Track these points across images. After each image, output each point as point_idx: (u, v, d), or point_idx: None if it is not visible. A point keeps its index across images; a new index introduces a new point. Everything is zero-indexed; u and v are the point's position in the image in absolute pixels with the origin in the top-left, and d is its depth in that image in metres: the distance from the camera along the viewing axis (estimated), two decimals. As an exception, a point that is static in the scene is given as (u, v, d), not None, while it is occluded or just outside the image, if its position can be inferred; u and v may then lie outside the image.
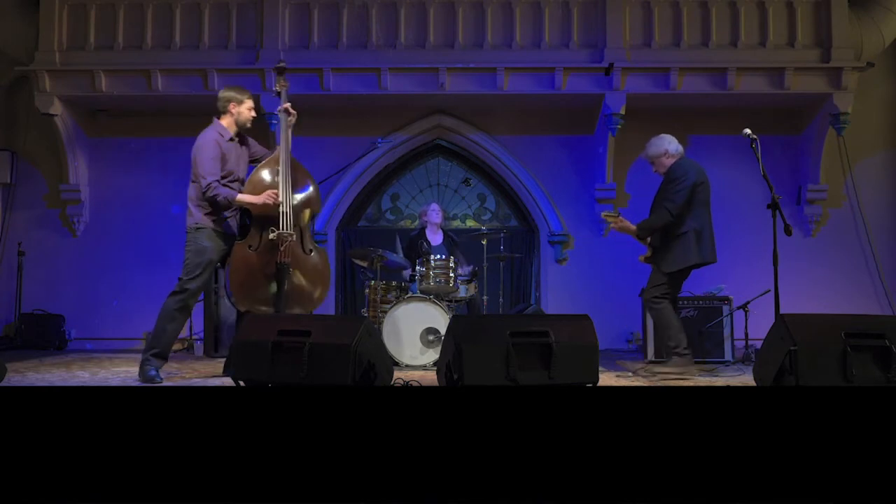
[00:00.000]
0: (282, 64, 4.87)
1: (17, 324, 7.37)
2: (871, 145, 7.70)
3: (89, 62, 7.19)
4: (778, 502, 2.21)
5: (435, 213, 6.46)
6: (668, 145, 4.91)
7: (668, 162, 4.88)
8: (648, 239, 4.97)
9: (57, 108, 7.24)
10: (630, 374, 4.96)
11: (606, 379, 4.64)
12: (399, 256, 6.08)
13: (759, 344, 4.24)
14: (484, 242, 6.10)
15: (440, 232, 6.49)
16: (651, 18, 7.24)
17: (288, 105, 4.69)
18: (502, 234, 6.46)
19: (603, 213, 5.22)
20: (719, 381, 4.49)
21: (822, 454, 2.27)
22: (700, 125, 7.36)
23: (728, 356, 5.88)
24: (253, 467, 2.23)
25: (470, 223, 8.04)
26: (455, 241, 6.47)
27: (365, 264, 5.99)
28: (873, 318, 4.51)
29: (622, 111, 7.13)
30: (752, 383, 4.06)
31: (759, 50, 7.17)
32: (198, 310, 6.83)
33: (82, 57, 7.23)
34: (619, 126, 7.19)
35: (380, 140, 6.93)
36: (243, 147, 4.65)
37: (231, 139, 4.53)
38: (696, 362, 4.96)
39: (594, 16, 7.24)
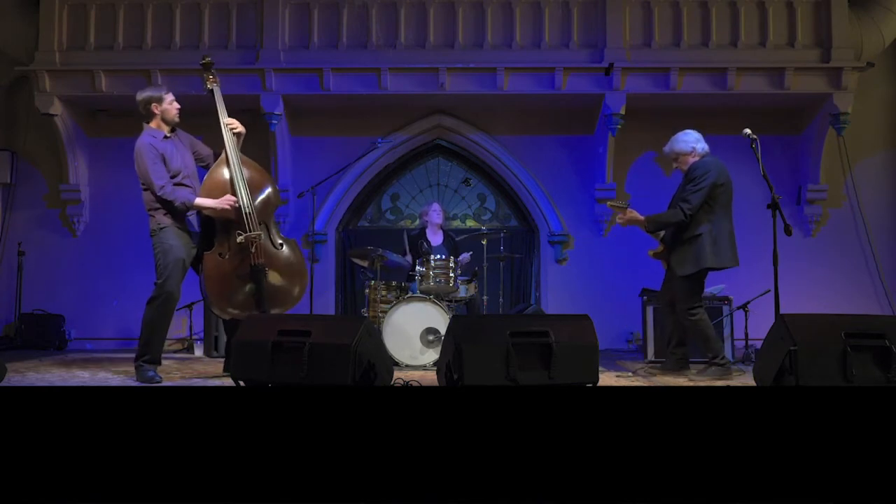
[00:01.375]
0: (207, 59, 4.73)
1: (17, 324, 7.37)
2: (871, 145, 7.70)
3: (89, 62, 7.19)
4: (778, 502, 2.21)
5: (436, 213, 6.46)
6: (696, 144, 4.79)
7: (692, 160, 4.77)
8: (661, 234, 4.89)
9: (57, 108, 7.25)
10: (630, 374, 4.96)
11: (606, 379, 4.64)
12: (399, 256, 6.07)
13: (759, 344, 4.24)
14: (484, 242, 6.09)
15: (441, 232, 6.49)
16: (651, 18, 7.24)
17: (233, 122, 4.56)
18: (502, 234, 6.46)
19: (609, 203, 5.04)
20: (719, 381, 4.49)
21: (822, 454, 2.27)
22: (700, 125, 7.25)
23: (728, 356, 5.87)
24: (253, 467, 2.23)
25: (470, 223, 8.04)
26: (455, 241, 6.47)
27: (365, 264, 5.99)
28: (873, 318, 4.50)
29: (622, 111, 7.13)
30: (752, 383, 4.06)
31: (759, 50, 7.18)
32: (198, 310, 6.84)
33: (82, 57, 7.23)
34: (619, 126, 7.19)
35: (380, 140, 6.92)
36: (183, 144, 4.56)
37: (166, 137, 4.46)
38: (695, 362, 4.95)
39: (594, 16, 7.24)
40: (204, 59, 4.75)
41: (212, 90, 4.67)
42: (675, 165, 4.92)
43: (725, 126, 7.17)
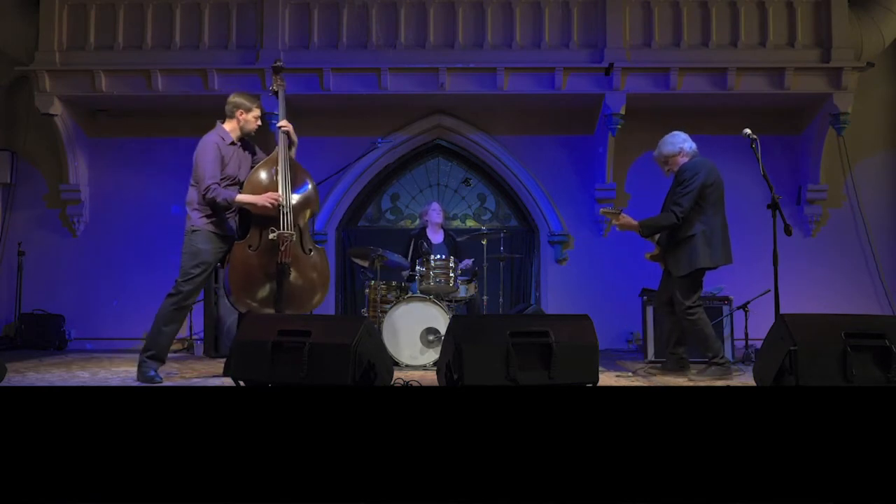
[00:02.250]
0: (279, 63, 4.83)
1: (17, 324, 7.37)
2: (871, 145, 7.70)
3: (89, 62, 7.19)
4: (778, 502, 2.21)
5: (436, 213, 6.46)
6: (683, 144, 4.80)
7: (682, 161, 4.77)
8: (656, 237, 4.92)
9: (57, 108, 7.25)
10: (630, 374, 4.96)
11: (606, 379, 4.64)
12: (399, 256, 6.07)
13: (759, 344, 4.24)
14: (484, 242, 6.09)
15: (441, 232, 6.49)
16: (651, 18, 7.24)
17: (287, 125, 4.61)
18: (502, 234, 6.46)
19: (602, 210, 5.10)
20: (719, 381, 4.49)
21: (822, 454, 2.27)
22: (700, 125, 7.34)
23: (728, 356, 5.86)
24: (253, 467, 2.23)
25: (470, 223, 8.04)
26: (455, 241, 6.47)
27: (365, 264, 5.99)
28: (873, 318, 4.51)
29: (622, 111, 7.13)
30: (752, 383, 4.06)
31: (759, 50, 7.18)
32: (198, 310, 6.84)
33: (82, 57, 7.23)
34: (619, 126, 7.19)
35: (380, 140, 6.92)
36: (246, 153, 4.63)
37: (232, 143, 4.53)
38: (695, 362, 4.95)
39: (594, 16, 7.24)
40: (276, 62, 4.86)
41: (276, 92, 4.76)
42: (666, 169, 4.91)
43: (725, 126, 7.18)
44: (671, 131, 4.96)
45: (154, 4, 7.28)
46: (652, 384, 4.52)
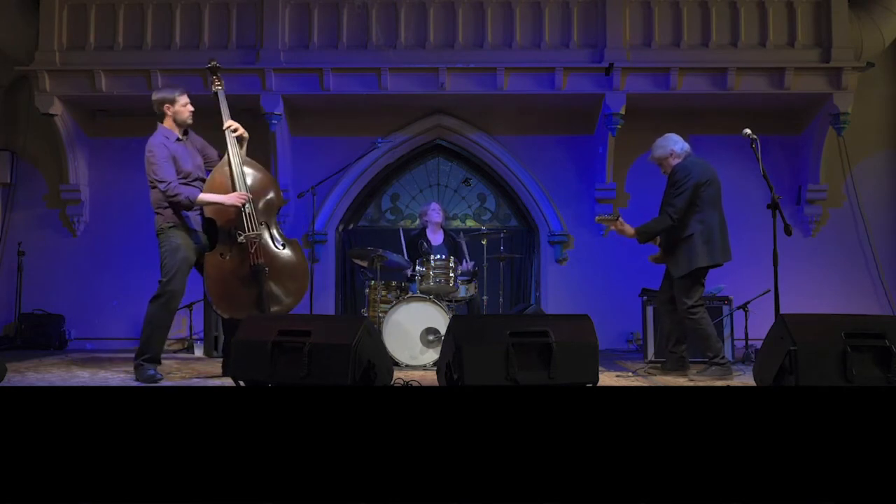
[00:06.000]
0: (213, 63, 4.75)
1: (17, 324, 7.36)
2: (871, 145, 7.70)
3: (89, 62, 7.19)
4: (778, 502, 2.21)
5: (436, 213, 6.46)
6: (674, 145, 4.82)
7: (675, 162, 4.78)
8: (658, 239, 4.91)
9: (57, 108, 7.25)
10: (630, 374, 4.96)
11: (606, 379, 4.64)
12: (400, 256, 6.07)
13: (759, 344, 4.24)
14: (484, 242, 6.09)
15: (441, 232, 6.49)
16: (651, 18, 7.24)
17: (234, 125, 4.56)
18: (502, 234, 6.46)
19: (597, 218, 5.05)
20: (719, 381, 4.49)
21: (822, 454, 2.27)
22: (700, 125, 7.37)
23: (728, 356, 5.86)
24: (253, 467, 2.23)
25: (470, 223, 8.04)
26: (456, 241, 6.47)
27: (365, 264, 5.99)
28: (873, 318, 4.50)
29: (622, 111, 7.13)
30: (752, 383, 4.06)
31: (759, 50, 7.17)
32: (198, 310, 6.85)
33: (82, 57, 7.23)
34: (619, 126, 7.19)
35: (380, 140, 6.92)
36: (194, 148, 4.59)
37: (178, 139, 4.49)
38: (695, 362, 4.95)
39: (594, 16, 7.24)
40: (210, 62, 4.77)
41: (216, 93, 4.69)
42: (663, 170, 4.93)
43: (725, 126, 7.18)
44: (671, 131, 4.98)
45: (154, 4, 7.28)
46: (652, 384, 4.52)
